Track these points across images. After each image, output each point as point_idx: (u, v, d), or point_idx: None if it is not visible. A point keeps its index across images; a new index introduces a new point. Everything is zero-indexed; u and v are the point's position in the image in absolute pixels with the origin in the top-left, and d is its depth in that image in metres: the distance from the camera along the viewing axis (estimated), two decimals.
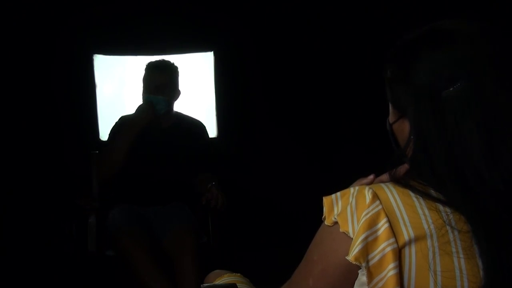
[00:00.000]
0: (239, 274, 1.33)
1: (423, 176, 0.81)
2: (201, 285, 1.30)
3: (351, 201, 0.82)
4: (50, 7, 3.00)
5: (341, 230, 0.81)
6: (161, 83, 2.46)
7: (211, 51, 3.20)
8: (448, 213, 0.78)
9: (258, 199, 3.26)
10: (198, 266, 2.17)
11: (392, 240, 0.77)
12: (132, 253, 2.17)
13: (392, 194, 0.81)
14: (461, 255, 0.77)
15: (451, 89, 0.80)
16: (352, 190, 0.84)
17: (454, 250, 0.77)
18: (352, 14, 3.31)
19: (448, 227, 0.78)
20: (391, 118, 0.93)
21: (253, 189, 3.22)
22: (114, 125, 2.59)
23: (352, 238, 0.79)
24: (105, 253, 2.34)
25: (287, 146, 3.33)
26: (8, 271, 2.75)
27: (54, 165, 3.06)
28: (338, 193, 0.86)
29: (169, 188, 2.49)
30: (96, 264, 2.37)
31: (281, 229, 3.28)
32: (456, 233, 0.78)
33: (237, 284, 1.24)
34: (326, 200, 0.86)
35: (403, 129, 0.89)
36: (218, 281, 1.29)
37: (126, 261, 2.18)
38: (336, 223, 0.82)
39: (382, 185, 0.84)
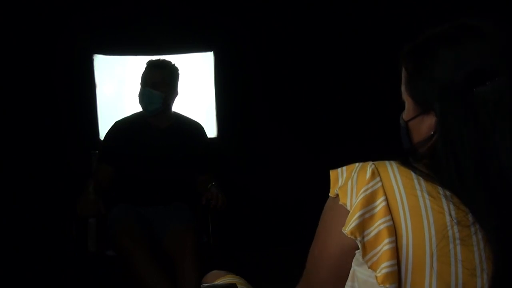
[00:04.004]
0: (238, 276, 1.33)
1: (441, 173, 0.80)
2: (201, 285, 1.30)
3: (353, 175, 0.84)
4: (50, 7, 3.00)
5: (340, 202, 0.83)
6: (158, 80, 2.46)
7: (211, 51, 3.20)
8: (448, 198, 0.78)
9: (258, 199, 3.26)
10: (198, 266, 2.17)
11: (388, 217, 0.78)
12: (132, 253, 2.17)
13: (394, 173, 0.82)
14: (458, 242, 0.77)
15: (484, 85, 0.78)
16: (357, 165, 0.86)
17: (451, 235, 0.77)
18: (351, 14, 3.31)
19: (447, 214, 0.78)
20: (408, 114, 0.91)
21: (253, 189, 3.22)
22: (108, 131, 2.59)
23: (349, 211, 0.81)
24: (105, 253, 2.35)
25: (287, 146, 3.34)
26: (8, 271, 2.75)
27: (54, 165, 3.07)
28: (344, 167, 0.87)
29: (170, 188, 2.49)
30: (96, 264, 2.37)
31: (281, 229, 3.28)
32: (454, 219, 0.78)
33: (237, 285, 1.24)
34: (332, 173, 0.88)
35: (420, 125, 0.87)
36: (218, 281, 1.29)
37: (126, 261, 2.18)
38: (338, 195, 0.84)
39: (386, 162, 0.85)
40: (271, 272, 2.87)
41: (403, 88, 0.92)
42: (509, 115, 0.77)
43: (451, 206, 0.78)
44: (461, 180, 0.78)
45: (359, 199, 0.80)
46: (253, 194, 3.23)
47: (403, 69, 0.91)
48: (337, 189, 0.84)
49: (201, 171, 2.55)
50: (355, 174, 0.83)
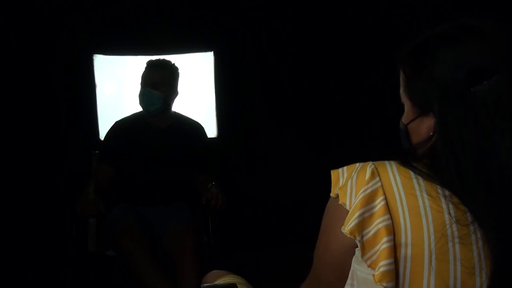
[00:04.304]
0: (238, 276, 1.33)
1: (441, 173, 0.80)
2: (201, 285, 1.31)
3: (353, 176, 0.84)
4: (50, 7, 3.00)
5: (339, 202, 0.83)
6: (158, 80, 2.46)
7: (211, 51, 3.20)
8: (447, 198, 0.79)
9: (258, 199, 3.26)
10: (198, 266, 2.17)
11: (386, 216, 0.79)
12: (132, 253, 2.17)
13: (393, 173, 0.82)
14: (456, 241, 0.77)
15: (481, 85, 0.77)
16: (357, 165, 0.86)
17: (450, 234, 0.77)
18: (351, 14, 3.31)
19: (445, 213, 0.78)
20: (407, 117, 0.91)
21: (253, 189, 3.22)
22: (108, 131, 2.59)
23: (348, 211, 0.81)
24: (105, 253, 2.35)
25: (287, 146, 3.34)
26: (8, 271, 2.75)
27: (54, 165, 3.07)
28: (345, 167, 0.88)
29: (170, 188, 2.49)
30: (96, 264, 2.37)
31: (281, 229, 3.28)
32: (453, 218, 0.78)
33: (237, 285, 1.24)
34: (333, 173, 0.88)
35: (419, 127, 0.87)
36: (218, 281, 1.29)
37: (126, 261, 2.18)
38: (338, 195, 0.85)
39: (386, 162, 0.85)
40: (271, 272, 2.87)
41: (401, 91, 0.92)
42: (508, 114, 0.77)
43: (450, 206, 0.78)
44: (461, 180, 0.78)
45: (358, 199, 0.81)
46: (253, 194, 3.23)
47: (401, 73, 0.91)
48: (337, 189, 0.85)
49: (201, 171, 2.55)
50: (355, 174, 0.84)
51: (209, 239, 2.46)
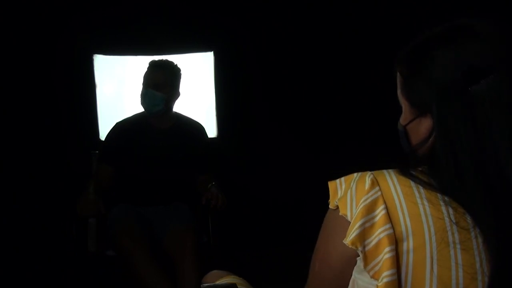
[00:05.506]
0: (238, 277, 1.33)
1: (441, 173, 0.80)
2: (201, 285, 1.31)
3: (352, 186, 0.83)
4: (50, 7, 3.00)
5: (340, 213, 0.82)
6: (160, 81, 2.46)
7: (211, 51, 3.20)
8: (447, 203, 0.78)
9: (258, 199, 3.26)
10: (198, 266, 2.18)
11: (388, 226, 0.78)
12: (132, 253, 2.17)
13: (393, 182, 0.82)
14: (458, 246, 0.77)
15: (479, 84, 0.77)
16: (356, 175, 0.85)
17: (451, 240, 0.77)
18: (351, 14, 3.31)
19: (446, 219, 0.78)
20: (405, 118, 0.91)
21: (253, 189, 3.22)
22: (110, 131, 2.59)
23: (350, 222, 0.80)
24: (105, 253, 2.35)
25: (287, 146, 3.34)
26: (8, 271, 2.75)
27: (54, 165, 3.07)
28: (343, 178, 0.87)
29: (170, 188, 2.49)
30: (96, 264, 2.37)
31: (281, 229, 3.28)
32: (454, 225, 0.77)
33: (237, 285, 1.24)
34: (330, 184, 0.87)
35: (418, 128, 0.87)
36: (218, 282, 1.29)
37: (126, 261, 2.18)
38: (338, 206, 0.83)
39: (385, 172, 0.84)
40: (271, 272, 2.87)
41: (399, 92, 0.91)
42: (507, 114, 0.77)
43: (450, 210, 0.78)
44: (460, 180, 0.77)
45: (359, 209, 0.80)
46: (253, 194, 3.23)
47: (398, 75, 0.91)
48: (336, 201, 0.84)
49: (201, 171, 2.56)
50: (354, 184, 0.83)
51: (209, 239, 2.46)
